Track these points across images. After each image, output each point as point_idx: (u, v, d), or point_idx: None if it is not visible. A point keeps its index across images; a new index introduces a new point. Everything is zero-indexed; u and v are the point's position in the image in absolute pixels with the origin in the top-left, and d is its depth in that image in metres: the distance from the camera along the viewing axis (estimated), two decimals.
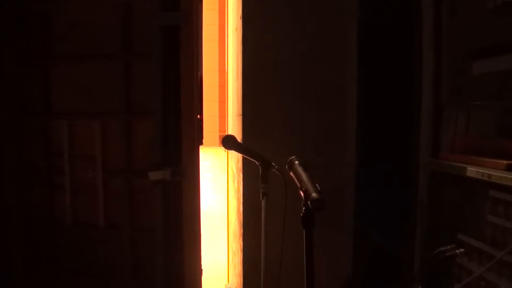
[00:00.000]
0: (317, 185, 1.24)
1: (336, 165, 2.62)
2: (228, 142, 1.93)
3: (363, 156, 2.57)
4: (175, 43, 2.41)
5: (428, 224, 1.90)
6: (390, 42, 2.31)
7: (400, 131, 2.17)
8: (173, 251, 2.51)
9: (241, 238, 2.70)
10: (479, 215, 1.57)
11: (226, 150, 3.43)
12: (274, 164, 1.92)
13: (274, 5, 2.57)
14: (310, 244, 1.24)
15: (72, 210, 2.65)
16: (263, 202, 1.93)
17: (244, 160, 2.61)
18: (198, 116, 2.55)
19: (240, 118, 2.66)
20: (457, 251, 1.68)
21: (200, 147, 2.60)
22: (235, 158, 3.20)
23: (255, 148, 2.05)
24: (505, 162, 1.46)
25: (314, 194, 1.18)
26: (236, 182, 3.10)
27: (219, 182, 6.73)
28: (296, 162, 1.48)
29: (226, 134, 2.27)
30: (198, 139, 2.54)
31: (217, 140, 12.56)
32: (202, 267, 2.61)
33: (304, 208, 1.24)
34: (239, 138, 2.58)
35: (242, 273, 2.71)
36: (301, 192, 1.27)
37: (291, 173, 1.46)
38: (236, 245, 3.08)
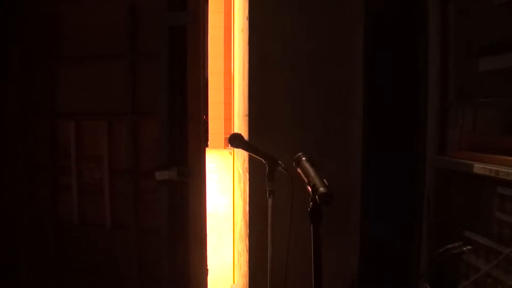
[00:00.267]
0: (324, 180, 1.24)
1: (342, 165, 2.62)
2: (235, 140, 1.93)
3: (369, 156, 2.57)
4: (182, 43, 2.42)
5: (435, 222, 1.90)
6: (396, 40, 2.32)
7: (406, 129, 2.17)
8: (179, 251, 2.51)
9: (247, 238, 2.70)
10: (486, 212, 1.56)
11: (232, 152, 3.42)
12: (280, 163, 1.91)
13: (280, 6, 2.57)
14: (317, 239, 1.24)
15: (79, 210, 2.66)
16: (269, 201, 1.92)
17: (250, 160, 2.61)
18: (204, 117, 2.55)
19: (247, 118, 2.66)
20: (464, 249, 1.67)
21: (206, 149, 2.60)
22: (241, 159, 3.21)
23: (261, 147, 2.05)
24: None
25: (322, 189, 1.18)
26: (242, 182, 3.10)
27: (224, 184, 6.74)
28: (304, 158, 1.48)
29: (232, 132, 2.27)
30: (204, 140, 2.55)
31: (223, 142, 12.57)
32: (208, 268, 2.60)
33: (311, 202, 1.24)
34: (245, 138, 2.58)
35: (248, 273, 2.71)
36: (309, 187, 1.27)
37: (299, 169, 1.46)
38: (242, 246, 3.08)
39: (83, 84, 2.63)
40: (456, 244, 1.69)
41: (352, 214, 2.64)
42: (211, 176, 7.76)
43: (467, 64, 1.77)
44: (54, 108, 2.66)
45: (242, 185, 3.09)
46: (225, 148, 11.83)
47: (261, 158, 1.93)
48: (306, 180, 1.32)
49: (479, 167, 1.57)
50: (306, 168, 1.39)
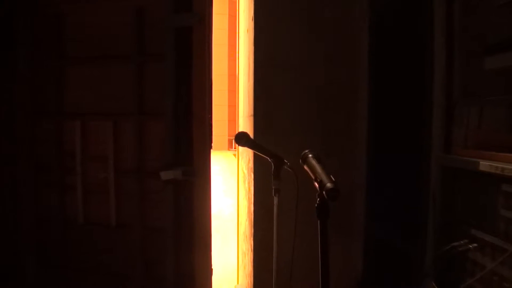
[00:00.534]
0: (331, 176, 1.25)
1: (347, 165, 2.62)
2: (241, 138, 1.94)
3: (374, 156, 2.57)
4: (188, 44, 2.43)
5: (440, 220, 1.90)
6: (401, 39, 2.32)
7: (411, 128, 2.18)
8: (183, 250, 2.51)
9: (252, 238, 2.70)
10: (492, 209, 1.56)
11: (236, 153, 3.43)
12: (286, 161, 1.92)
13: (285, 6, 2.59)
14: (325, 235, 1.24)
15: (84, 210, 2.67)
16: (275, 199, 1.92)
17: (255, 160, 2.61)
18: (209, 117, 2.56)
19: (252, 118, 2.67)
20: (470, 246, 1.67)
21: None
22: (245, 159, 3.21)
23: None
24: None
25: (329, 184, 1.18)
26: (247, 182, 3.11)
27: (229, 185, 6.75)
28: (310, 155, 1.49)
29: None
30: (209, 140, 2.55)
31: (227, 144, 12.59)
32: (213, 267, 2.61)
33: (319, 198, 1.24)
34: None
35: (252, 273, 2.71)
36: (316, 184, 1.27)
37: (305, 166, 1.46)
38: (246, 246, 3.08)
39: (89, 84, 2.65)
40: (461, 242, 1.69)
41: (357, 214, 2.64)
42: (215, 177, 7.75)
43: (472, 63, 1.78)
44: (60, 109, 2.68)
45: (246, 185, 3.10)
46: (228, 149, 11.84)
47: (267, 156, 1.93)
48: (313, 177, 1.33)
49: (484, 165, 1.57)
50: (313, 165, 1.40)
